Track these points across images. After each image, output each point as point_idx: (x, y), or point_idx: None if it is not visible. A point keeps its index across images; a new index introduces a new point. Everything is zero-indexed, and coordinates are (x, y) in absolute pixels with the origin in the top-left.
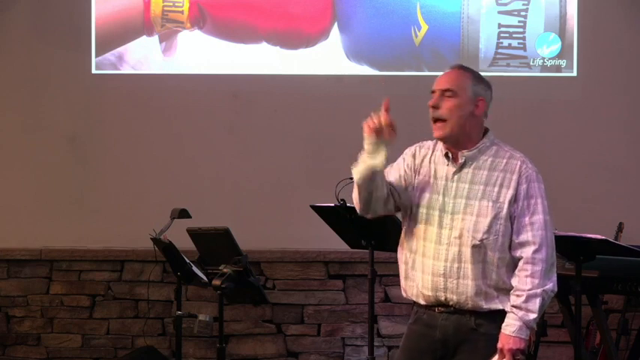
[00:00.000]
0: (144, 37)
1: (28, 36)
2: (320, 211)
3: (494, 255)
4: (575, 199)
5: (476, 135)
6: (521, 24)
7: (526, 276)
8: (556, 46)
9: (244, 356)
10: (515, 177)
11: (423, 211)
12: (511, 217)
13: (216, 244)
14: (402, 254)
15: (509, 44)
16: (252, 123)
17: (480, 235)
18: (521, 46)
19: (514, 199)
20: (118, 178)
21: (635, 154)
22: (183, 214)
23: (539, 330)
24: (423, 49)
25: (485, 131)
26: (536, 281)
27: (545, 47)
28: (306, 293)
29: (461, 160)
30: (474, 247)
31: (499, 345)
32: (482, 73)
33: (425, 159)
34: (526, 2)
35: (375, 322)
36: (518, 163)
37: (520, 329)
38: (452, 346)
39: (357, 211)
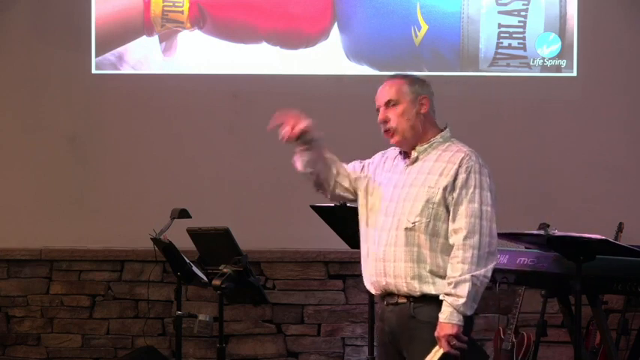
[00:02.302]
0: (144, 37)
1: (28, 36)
2: (320, 211)
3: (427, 238)
4: (575, 199)
5: (429, 130)
6: (521, 24)
7: (457, 262)
8: (556, 46)
9: (244, 356)
10: (455, 167)
11: (372, 200)
12: (447, 205)
13: (216, 244)
14: (361, 245)
15: (509, 44)
16: (252, 123)
17: (412, 218)
18: (521, 46)
19: (451, 188)
20: (118, 178)
21: (635, 154)
22: (183, 214)
23: (539, 330)
24: (423, 49)
25: (443, 129)
26: (466, 267)
27: (545, 47)
28: (306, 293)
29: (413, 156)
30: (406, 229)
31: (435, 334)
32: (482, 74)
33: (390, 157)
34: (526, 2)
35: (375, 322)
36: (462, 155)
37: (451, 315)
38: (398, 337)
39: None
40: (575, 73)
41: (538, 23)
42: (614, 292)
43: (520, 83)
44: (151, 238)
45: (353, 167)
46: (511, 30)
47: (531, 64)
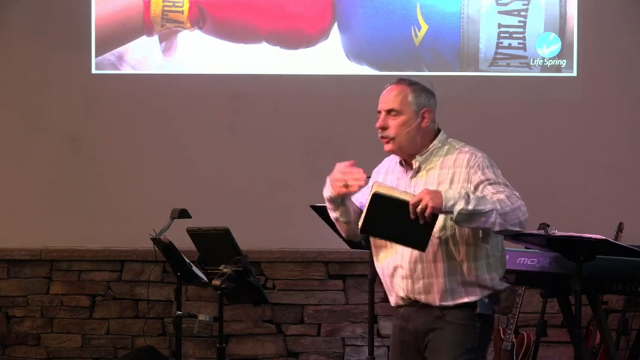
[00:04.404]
0: (144, 37)
1: (28, 36)
2: (320, 211)
3: (454, 249)
4: (575, 199)
5: (427, 142)
6: (521, 24)
7: (498, 198)
8: (556, 46)
9: (244, 356)
10: (465, 170)
11: None
12: None
13: (216, 244)
14: (377, 267)
15: (509, 44)
16: (252, 123)
17: (437, 234)
18: (521, 46)
19: (469, 190)
20: (118, 178)
21: (635, 154)
22: (183, 214)
23: (539, 330)
24: (423, 49)
25: (438, 132)
26: (495, 197)
27: (545, 47)
28: (306, 293)
29: (415, 166)
30: (432, 245)
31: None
32: (482, 74)
33: (387, 172)
34: (526, 2)
35: (375, 322)
36: (467, 156)
37: (451, 197)
38: (421, 336)
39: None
40: (575, 73)
41: (538, 23)
42: (614, 292)
43: (520, 83)
44: (151, 238)
45: (360, 204)
46: (511, 30)
47: (531, 64)
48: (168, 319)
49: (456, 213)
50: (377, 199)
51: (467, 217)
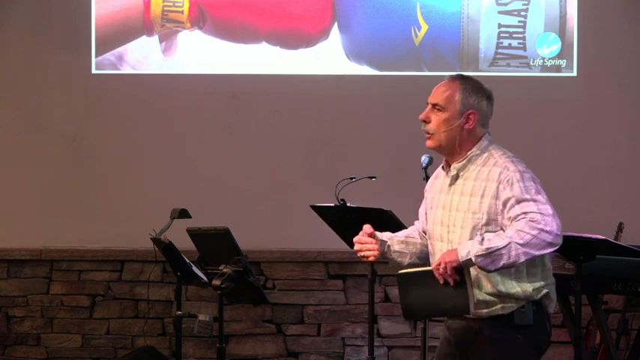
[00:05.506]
0: (144, 37)
1: (28, 36)
2: (320, 211)
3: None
4: (575, 199)
5: (468, 147)
6: (521, 24)
7: (517, 229)
8: (556, 46)
9: (244, 356)
10: (494, 184)
11: (430, 227)
12: (496, 220)
13: (216, 244)
14: None
15: (509, 44)
16: (252, 123)
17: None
18: (521, 46)
19: (495, 206)
20: (118, 178)
21: (635, 154)
22: (183, 214)
23: None
24: (423, 49)
25: (480, 138)
26: (515, 235)
27: (545, 47)
28: (306, 293)
29: (452, 173)
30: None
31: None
32: (482, 74)
33: (437, 176)
34: (526, 2)
35: (375, 322)
36: (499, 169)
37: (465, 247)
38: (460, 348)
39: None
40: (575, 73)
41: (538, 23)
42: (614, 292)
43: (520, 83)
44: (151, 238)
45: (422, 224)
46: (511, 30)
47: (531, 64)
48: (168, 319)
49: (473, 258)
50: (402, 279)
51: (486, 257)
